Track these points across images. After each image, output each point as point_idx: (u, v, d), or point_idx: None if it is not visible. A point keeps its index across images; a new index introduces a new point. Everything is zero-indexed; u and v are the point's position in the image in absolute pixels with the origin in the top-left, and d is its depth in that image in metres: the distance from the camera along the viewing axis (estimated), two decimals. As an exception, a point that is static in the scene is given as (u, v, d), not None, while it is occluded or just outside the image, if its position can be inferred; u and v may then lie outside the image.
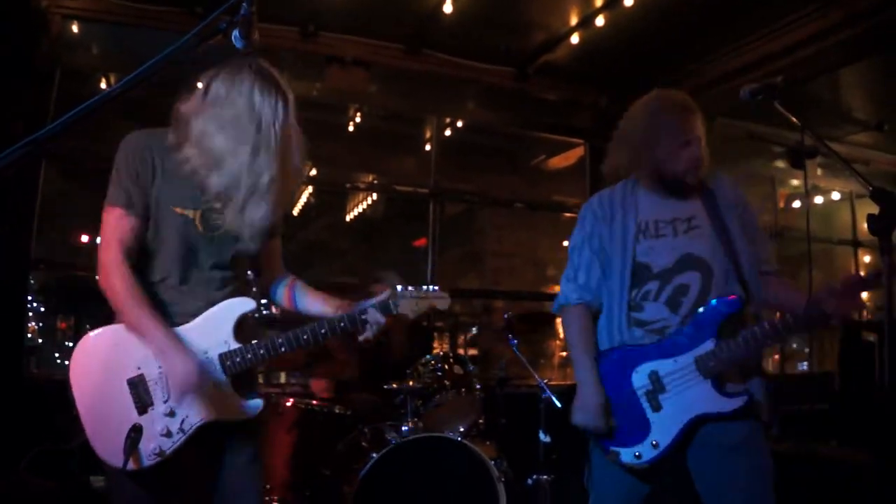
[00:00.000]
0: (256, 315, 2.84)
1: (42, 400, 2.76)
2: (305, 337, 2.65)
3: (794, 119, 2.59)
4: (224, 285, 2.66)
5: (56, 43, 5.76)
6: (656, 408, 2.78)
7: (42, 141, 1.44)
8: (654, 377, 2.79)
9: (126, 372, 2.50)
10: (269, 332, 2.88)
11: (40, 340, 8.66)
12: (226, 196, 2.52)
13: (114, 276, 2.45)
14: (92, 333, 2.55)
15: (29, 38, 5.50)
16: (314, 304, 2.83)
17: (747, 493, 2.68)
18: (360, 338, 2.71)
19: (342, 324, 2.68)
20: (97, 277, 2.49)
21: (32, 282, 6.31)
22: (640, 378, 2.82)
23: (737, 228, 2.87)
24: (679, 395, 2.75)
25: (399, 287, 2.82)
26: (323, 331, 2.67)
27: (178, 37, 1.61)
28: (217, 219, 2.59)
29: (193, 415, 2.52)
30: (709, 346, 2.72)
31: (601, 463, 2.93)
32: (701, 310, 2.78)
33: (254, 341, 2.64)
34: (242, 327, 2.65)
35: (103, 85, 6.51)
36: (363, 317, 2.69)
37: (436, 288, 2.90)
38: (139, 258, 2.57)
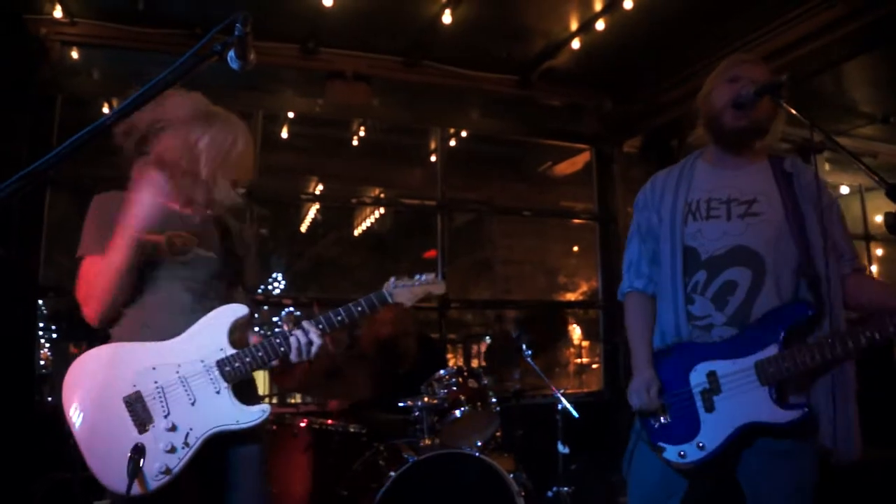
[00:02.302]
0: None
1: (55, 428, 2.73)
2: (278, 341, 2.65)
3: (801, 116, 2.55)
4: (204, 307, 2.64)
5: (56, 69, 5.78)
6: (709, 408, 2.64)
7: (42, 171, 1.41)
8: (713, 377, 2.65)
9: (121, 390, 2.45)
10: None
11: (52, 368, 8.65)
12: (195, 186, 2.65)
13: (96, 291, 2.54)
14: (82, 356, 2.52)
15: (29, 66, 5.52)
16: None
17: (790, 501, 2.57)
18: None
19: (339, 317, 2.70)
20: (90, 321, 2.56)
21: (44, 310, 6.28)
22: (697, 376, 2.68)
23: (812, 220, 2.64)
24: (733, 399, 2.60)
25: (391, 279, 2.87)
26: (320, 325, 2.68)
27: (177, 59, 1.59)
28: (184, 242, 2.64)
29: (198, 426, 2.48)
30: (771, 351, 2.55)
31: (644, 453, 2.84)
32: (772, 312, 2.60)
33: (251, 345, 2.63)
34: (236, 333, 2.63)
35: (105, 110, 6.51)
36: (358, 308, 2.72)
37: (428, 275, 2.95)
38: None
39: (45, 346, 8.09)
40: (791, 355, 2.51)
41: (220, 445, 2.55)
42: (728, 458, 2.64)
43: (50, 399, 6.41)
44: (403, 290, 2.85)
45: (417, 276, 2.92)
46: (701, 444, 2.63)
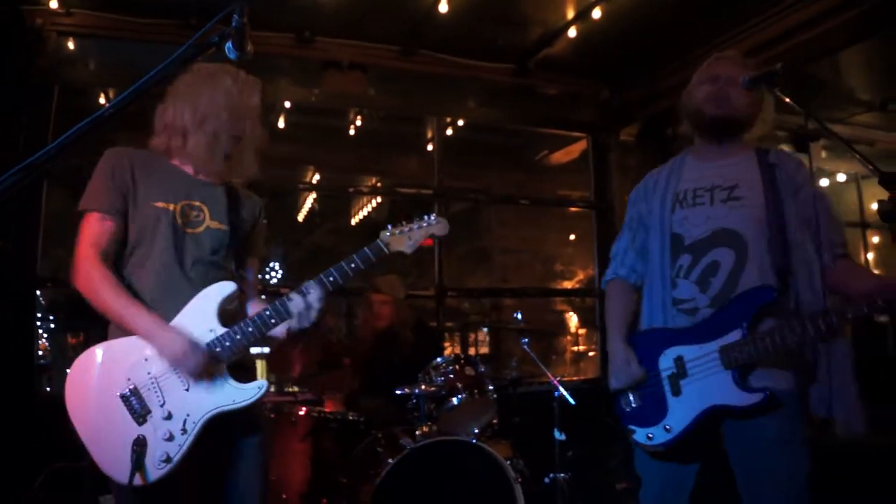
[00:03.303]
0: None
1: (54, 418, 2.74)
2: (280, 306, 2.61)
3: (796, 105, 2.57)
4: (208, 281, 2.61)
5: (53, 60, 5.77)
6: (676, 392, 2.71)
7: (42, 163, 1.42)
8: (679, 361, 2.71)
9: (117, 387, 2.46)
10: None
11: (51, 358, 8.66)
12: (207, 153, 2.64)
13: (92, 275, 2.46)
14: (77, 361, 2.53)
15: (26, 57, 5.51)
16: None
17: (781, 493, 2.58)
18: None
19: (331, 278, 2.67)
20: (75, 284, 2.49)
21: (41, 300, 6.30)
22: (666, 360, 2.75)
23: (791, 209, 2.68)
24: (699, 383, 2.67)
25: (388, 227, 2.81)
26: (311, 290, 2.63)
27: (174, 49, 1.60)
28: (196, 215, 2.62)
29: (195, 412, 2.47)
30: (735, 336, 2.60)
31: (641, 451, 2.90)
32: (736, 298, 2.65)
33: (240, 322, 2.58)
34: (226, 312, 2.61)
35: (102, 100, 6.51)
36: (352, 265, 2.70)
37: (428, 216, 2.86)
38: (123, 261, 2.59)
39: (43, 337, 8.10)
40: (752, 341, 2.57)
41: (221, 435, 2.54)
42: (698, 439, 2.68)
43: (49, 389, 6.44)
44: (400, 238, 2.78)
45: (416, 220, 2.84)
46: (668, 427, 2.70)
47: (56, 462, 4.69)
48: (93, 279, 2.45)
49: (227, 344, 2.53)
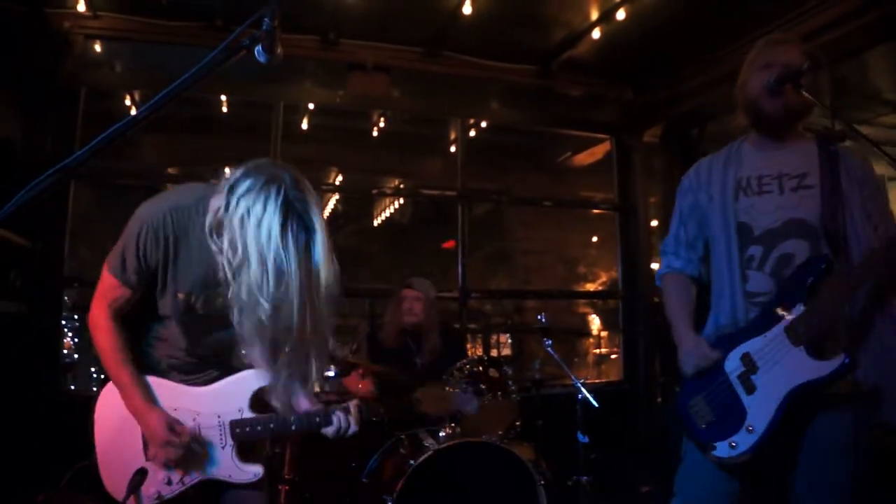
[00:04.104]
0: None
1: (80, 416, 2.78)
2: (318, 420, 2.73)
3: (822, 104, 2.55)
4: (226, 357, 2.72)
5: (80, 63, 5.83)
6: (750, 389, 2.57)
7: (77, 165, 1.44)
8: (747, 358, 2.60)
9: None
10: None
11: (76, 356, 8.72)
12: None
13: (99, 334, 2.52)
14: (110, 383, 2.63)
15: (53, 60, 5.57)
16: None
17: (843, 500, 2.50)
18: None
19: (362, 416, 2.84)
20: (88, 321, 2.56)
21: (66, 299, 6.35)
22: (731, 363, 2.64)
23: (857, 201, 2.59)
24: (771, 371, 2.54)
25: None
26: (338, 420, 2.77)
27: (199, 51, 1.62)
28: (220, 303, 2.47)
29: (194, 472, 2.61)
30: (797, 311, 2.51)
31: (693, 465, 2.78)
32: (789, 277, 2.59)
33: (267, 415, 2.68)
34: (258, 399, 2.67)
35: (127, 101, 6.57)
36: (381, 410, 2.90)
37: (466, 392, 3.05)
38: (148, 313, 2.61)
39: (68, 336, 8.16)
40: (813, 308, 2.48)
41: (214, 490, 2.68)
42: (781, 435, 2.53)
43: (73, 388, 6.49)
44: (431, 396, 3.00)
45: (457, 392, 3.04)
46: (750, 427, 2.55)
47: (81, 460, 4.72)
48: (100, 340, 2.53)
49: (248, 429, 2.65)
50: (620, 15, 5.75)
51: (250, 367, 2.67)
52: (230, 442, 2.64)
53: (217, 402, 2.65)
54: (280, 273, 2.20)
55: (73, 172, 1.44)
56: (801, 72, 2.57)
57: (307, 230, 2.27)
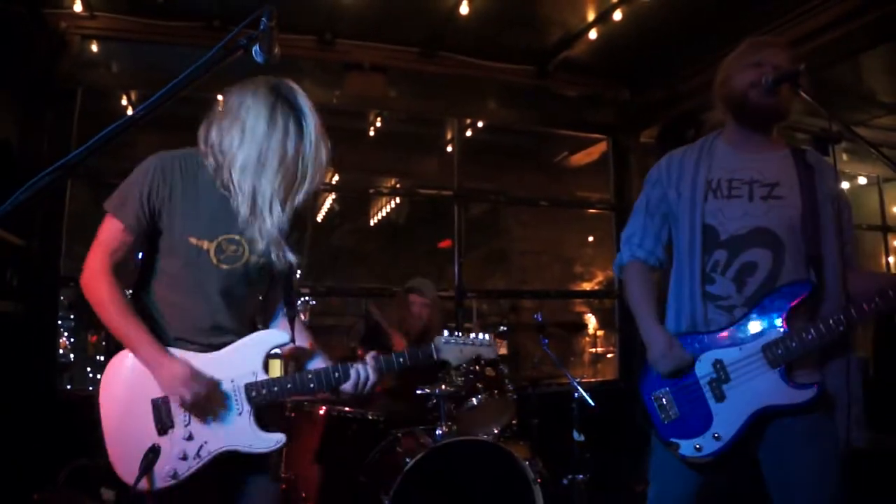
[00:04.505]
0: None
1: (76, 416, 2.78)
2: (336, 375, 2.63)
3: (819, 106, 2.56)
4: (237, 317, 2.63)
5: (76, 63, 5.84)
6: (720, 398, 2.62)
7: (71, 165, 1.45)
8: (720, 365, 2.64)
9: (151, 392, 2.48)
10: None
11: (72, 356, 8.71)
12: (247, 201, 2.47)
13: (99, 282, 2.44)
14: (121, 353, 2.52)
15: (50, 60, 5.58)
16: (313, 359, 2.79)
17: (815, 487, 2.55)
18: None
19: (382, 364, 2.70)
20: (81, 281, 2.47)
21: (62, 298, 6.36)
22: (703, 367, 2.67)
23: (828, 216, 2.63)
24: (744, 386, 2.59)
25: (444, 333, 2.83)
26: (356, 372, 2.65)
27: (196, 51, 1.63)
28: (235, 249, 2.55)
29: (212, 441, 2.50)
30: (777, 333, 2.56)
31: (662, 456, 2.81)
32: (770, 294, 2.61)
33: (283, 375, 2.62)
34: (272, 358, 2.64)
35: (124, 101, 6.57)
36: (400, 359, 2.71)
37: (483, 336, 2.88)
38: (153, 278, 2.56)
39: (64, 335, 8.16)
40: (797, 334, 2.52)
41: (238, 470, 2.58)
42: (746, 445, 2.61)
43: (69, 387, 6.49)
44: (452, 348, 2.82)
45: (472, 336, 2.87)
46: (717, 435, 2.61)
47: (77, 459, 4.73)
48: (102, 291, 2.44)
49: (264, 391, 2.55)
50: (617, 16, 5.77)
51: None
52: (247, 407, 2.53)
53: (229, 367, 2.54)
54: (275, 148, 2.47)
55: (71, 171, 1.45)
56: (799, 73, 2.58)
57: (295, 109, 2.55)
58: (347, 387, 2.65)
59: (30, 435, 5.00)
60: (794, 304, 2.57)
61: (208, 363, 2.52)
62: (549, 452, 4.88)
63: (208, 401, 2.47)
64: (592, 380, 8.07)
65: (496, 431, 4.79)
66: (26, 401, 5.14)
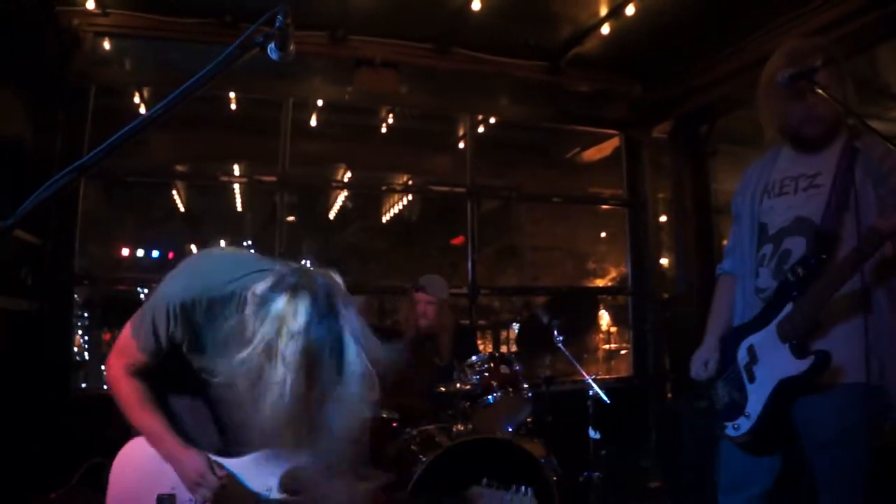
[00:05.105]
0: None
1: (91, 414, 2.78)
2: None
3: (835, 100, 2.56)
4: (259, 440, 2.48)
5: (89, 60, 5.83)
6: (751, 379, 2.81)
7: (93, 163, 1.44)
8: (751, 350, 2.83)
9: (159, 487, 2.41)
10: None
11: (87, 354, 8.75)
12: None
13: (119, 386, 2.41)
14: (131, 442, 2.50)
15: (62, 58, 5.58)
16: None
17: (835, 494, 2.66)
18: None
19: None
20: (105, 374, 2.45)
21: (76, 296, 6.37)
22: (741, 353, 2.87)
23: (870, 196, 2.66)
24: (767, 365, 2.76)
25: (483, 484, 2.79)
26: None
27: (209, 48, 1.62)
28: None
29: None
30: (787, 310, 2.70)
31: (723, 443, 3.02)
32: (783, 271, 2.79)
33: (297, 498, 2.49)
34: (292, 480, 2.49)
35: (136, 99, 6.57)
36: None
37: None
38: (171, 389, 2.52)
39: (78, 333, 8.19)
40: (798, 308, 2.65)
41: None
42: (781, 424, 2.78)
43: (84, 385, 6.51)
44: None
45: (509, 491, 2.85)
46: (748, 413, 2.80)
47: (92, 457, 4.74)
48: (119, 389, 2.41)
49: None
50: (630, 11, 5.73)
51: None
52: None
53: (244, 477, 2.47)
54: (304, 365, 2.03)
55: (87, 171, 1.44)
56: (815, 69, 2.58)
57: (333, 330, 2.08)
58: None
59: (45, 433, 5.01)
60: (802, 279, 2.66)
61: (240, 466, 2.48)
62: (564, 450, 4.86)
63: (224, 494, 2.40)
64: (606, 377, 8.03)
65: (512, 429, 4.78)
66: (41, 399, 5.15)
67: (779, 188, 2.90)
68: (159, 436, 2.40)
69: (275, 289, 2.10)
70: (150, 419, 2.41)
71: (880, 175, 2.67)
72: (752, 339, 2.83)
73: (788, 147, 2.97)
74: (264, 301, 2.08)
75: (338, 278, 2.22)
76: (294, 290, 2.07)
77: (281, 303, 2.04)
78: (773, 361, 2.73)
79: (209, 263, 2.48)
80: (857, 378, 2.58)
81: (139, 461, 2.46)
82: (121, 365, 2.42)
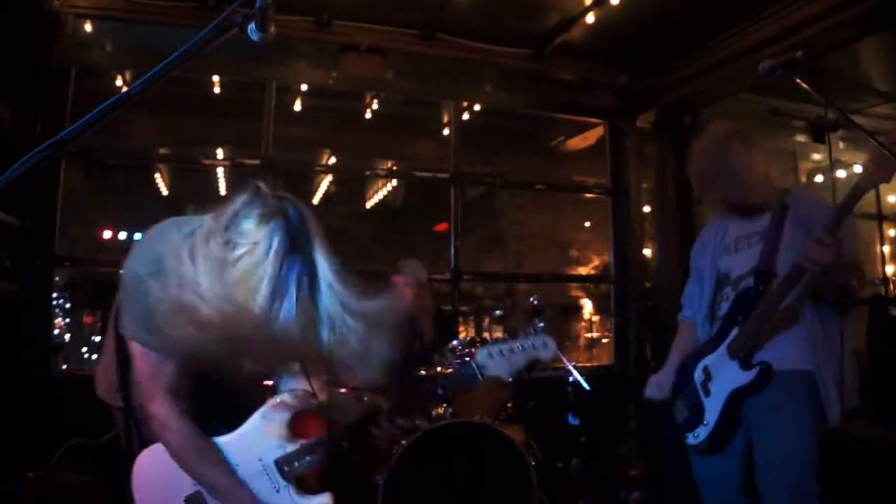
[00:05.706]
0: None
1: (71, 396, 2.76)
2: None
3: (816, 94, 2.58)
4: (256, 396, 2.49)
5: (70, 42, 5.77)
6: (707, 394, 3.32)
7: (65, 142, 1.43)
8: (706, 370, 3.35)
9: (184, 489, 2.34)
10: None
11: (67, 337, 8.71)
12: None
13: (168, 433, 2.26)
14: (149, 448, 2.38)
15: (43, 39, 5.53)
16: None
17: (783, 454, 3.09)
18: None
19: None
20: (152, 424, 2.29)
21: (57, 278, 6.34)
22: (698, 373, 3.39)
23: (801, 241, 3.07)
24: (720, 380, 3.27)
25: (485, 348, 2.54)
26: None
27: (191, 31, 1.60)
28: None
29: None
30: (733, 333, 3.26)
31: (691, 453, 3.50)
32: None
33: (314, 439, 2.43)
34: (299, 421, 2.45)
35: (118, 82, 6.53)
36: (438, 390, 2.65)
37: (536, 337, 2.57)
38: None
39: (58, 316, 8.16)
40: (742, 331, 3.22)
41: None
42: (735, 428, 3.29)
43: (64, 367, 6.49)
44: (498, 363, 2.51)
45: (521, 340, 2.54)
46: (706, 423, 3.30)
47: (71, 439, 4.73)
48: (174, 441, 2.26)
49: (297, 465, 2.39)
50: (614, 0, 5.73)
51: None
52: (283, 483, 2.36)
53: (253, 444, 2.36)
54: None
55: (65, 149, 1.44)
56: (797, 61, 2.61)
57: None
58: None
59: (25, 415, 4.99)
60: (744, 309, 3.26)
61: (233, 445, 2.37)
62: (543, 436, 4.89)
63: None
64: (588, 364, 8.07)
65: (491, 414, 4.80)
66: (22, 381, 5.13)
67: (734, 247, 3.51)
68: (219, 477, 2.29)
69: (246, 210, 1.96)
70: (209, 464, 2.29)
71: (806, 222, 3.21)
72: (707, 361, 3.36)
73: (735, 215, 3.55)
74: (235, 219, 1.94)
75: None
76: (265, 215, 1.95)
77: (252, 223, 1.93)
78: (724, 376, 3.24)
79: (155, 231, 2.41)
80: (795, 366, 3.15)
81: (157, 467, 2.36)
82: (163, 401, 2.24)
